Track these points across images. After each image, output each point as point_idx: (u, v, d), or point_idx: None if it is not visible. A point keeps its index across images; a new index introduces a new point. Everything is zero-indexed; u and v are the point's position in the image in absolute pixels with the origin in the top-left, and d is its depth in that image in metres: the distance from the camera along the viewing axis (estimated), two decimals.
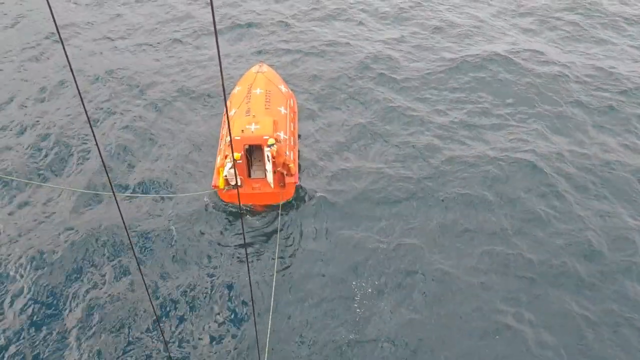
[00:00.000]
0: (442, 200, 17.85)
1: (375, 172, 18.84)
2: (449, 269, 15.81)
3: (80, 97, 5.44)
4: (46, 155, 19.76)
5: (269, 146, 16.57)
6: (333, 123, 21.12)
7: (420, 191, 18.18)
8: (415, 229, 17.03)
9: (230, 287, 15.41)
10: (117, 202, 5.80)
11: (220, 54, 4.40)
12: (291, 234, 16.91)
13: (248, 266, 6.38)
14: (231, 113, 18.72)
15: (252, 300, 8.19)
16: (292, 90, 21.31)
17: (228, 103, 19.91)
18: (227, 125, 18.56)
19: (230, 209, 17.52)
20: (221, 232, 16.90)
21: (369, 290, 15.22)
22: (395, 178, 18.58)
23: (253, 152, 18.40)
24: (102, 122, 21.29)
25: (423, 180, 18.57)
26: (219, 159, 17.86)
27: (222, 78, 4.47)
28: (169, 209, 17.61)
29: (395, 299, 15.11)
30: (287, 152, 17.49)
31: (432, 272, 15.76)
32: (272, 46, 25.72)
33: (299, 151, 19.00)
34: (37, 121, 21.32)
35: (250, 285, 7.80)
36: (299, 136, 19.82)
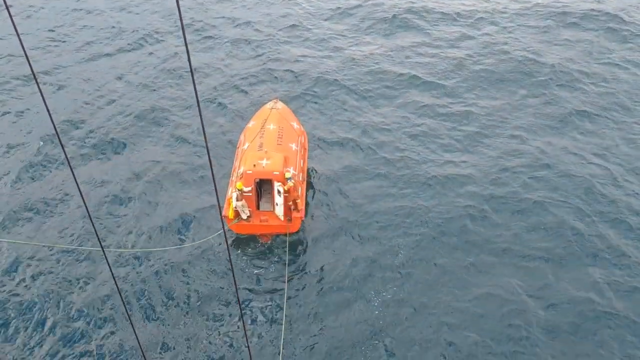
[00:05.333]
0: (457, 228, 18.61)
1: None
2: (464, 304, 16.40)
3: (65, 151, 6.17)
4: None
5: (287, 179, 17.36)
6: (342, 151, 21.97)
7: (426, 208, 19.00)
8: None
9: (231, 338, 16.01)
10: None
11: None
12: (299, 265, 17.59)
13: (240, 309, 6.99)
14: (244, 147, 19.56)
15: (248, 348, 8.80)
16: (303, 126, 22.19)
17: (242, 137, 20.78)
18: (239, 159, 19.36)
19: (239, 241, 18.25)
20: (224, 273, 17.56)
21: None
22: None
23: (262, 185, 19.13)
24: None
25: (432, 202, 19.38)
26: (230, 190, 18.61)
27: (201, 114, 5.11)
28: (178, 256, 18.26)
29: (397, 311, 15.86)
30: (296, 188, 18.22)
31: (446, 297, 16.37)
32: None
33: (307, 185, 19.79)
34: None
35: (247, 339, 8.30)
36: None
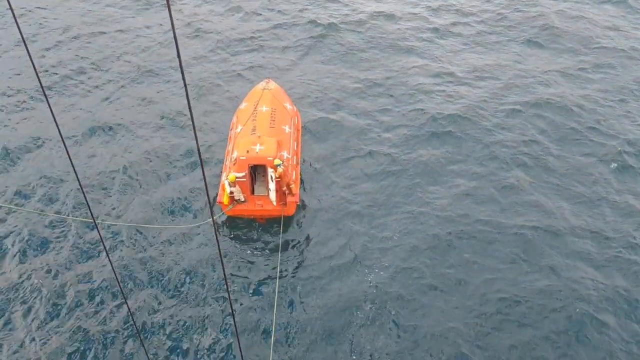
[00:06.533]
0: (445, 220, 18.66)
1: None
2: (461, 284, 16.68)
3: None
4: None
5: (277, 166, 17.29)
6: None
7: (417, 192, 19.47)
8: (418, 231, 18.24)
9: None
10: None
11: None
12: (293, 249, 17.74)
13: (229, 294, 7.06)
14: (237, 130, 19.40)
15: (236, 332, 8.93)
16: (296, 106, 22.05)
17: (235, 119, 20.61)
18: (232, 142, 19.24)
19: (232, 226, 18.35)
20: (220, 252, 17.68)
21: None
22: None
23: (257, 170, 19.08)
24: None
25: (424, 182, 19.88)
26: (224, 176, 18.55)
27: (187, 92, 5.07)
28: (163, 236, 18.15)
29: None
30: (290, 172, 18.19)
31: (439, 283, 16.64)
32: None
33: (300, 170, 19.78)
34: None
35: (233, 316, 8.43)
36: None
